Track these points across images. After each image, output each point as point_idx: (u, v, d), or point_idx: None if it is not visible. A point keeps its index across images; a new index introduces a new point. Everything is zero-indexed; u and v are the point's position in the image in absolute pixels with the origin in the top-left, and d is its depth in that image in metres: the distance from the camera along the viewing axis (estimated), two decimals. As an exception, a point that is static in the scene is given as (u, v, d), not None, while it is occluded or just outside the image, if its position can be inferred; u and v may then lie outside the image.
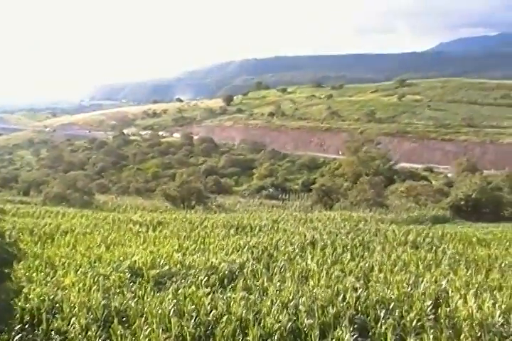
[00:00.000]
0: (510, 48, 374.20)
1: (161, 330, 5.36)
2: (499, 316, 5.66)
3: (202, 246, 10.36)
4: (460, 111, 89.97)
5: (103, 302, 6.03)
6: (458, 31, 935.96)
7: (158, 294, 6.51)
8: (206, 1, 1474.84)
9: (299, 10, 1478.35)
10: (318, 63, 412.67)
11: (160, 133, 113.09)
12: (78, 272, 7.51)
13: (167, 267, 7.84)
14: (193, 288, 6.67)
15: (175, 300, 6.13)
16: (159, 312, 5.78)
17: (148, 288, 6.72)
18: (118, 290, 6.67)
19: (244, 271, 7.82)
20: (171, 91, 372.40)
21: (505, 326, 5.52)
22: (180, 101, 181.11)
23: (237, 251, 9.55)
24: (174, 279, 7.28)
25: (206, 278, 7.25)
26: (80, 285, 6.71)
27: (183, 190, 28.76)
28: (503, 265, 9.25)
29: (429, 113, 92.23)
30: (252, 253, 9.39)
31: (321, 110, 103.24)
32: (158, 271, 7.61)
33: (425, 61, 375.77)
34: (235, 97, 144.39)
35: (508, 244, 12.49)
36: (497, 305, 6.09)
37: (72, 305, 5.93)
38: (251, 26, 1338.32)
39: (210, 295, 6.31)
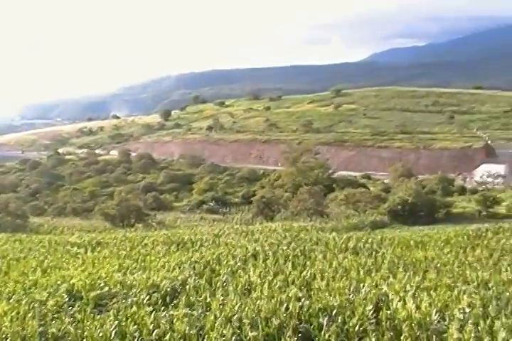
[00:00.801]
0: (437, 58, 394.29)
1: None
2: (435, 314, 5.87)
3: (143, 264, 10.15)
4: (394, 119, 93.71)
5: (39, 329, 5.75)
6: (390, 42, 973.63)
7: (98, 316, 6.27)
8: (140, 15, 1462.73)
9: (235, 23, 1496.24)
10: (255, 75, 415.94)
11: (97, 151, 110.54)
12: (11, 300, 7.10)
13: (107, 288, 7.60)
14: (135, 307, 6.49)
15: (116, 322, 5.93)
16: (100, 335, 5.59)
17: (88, 311, 6.47)
18: (56, 316, 6.38)
19: (187, 287, 7.69)
20: (106, 107, 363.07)
21: (440, 323, 5.72)
22: (117, 117, 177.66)
23: (179, 268, 9.39)
24: (115, 300, 7.05)
25: (148, 296, 7.08)
26: (14, 313, 6.34)
27: (122, 208, 28.23)
28: (438, 265, 9.60)
29: (365, 121, 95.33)
30: (194, 268, 9.25)
31: (259, 122, 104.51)
32: (97, 292, 7.36)
33: (359, 71, 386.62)
34: (172, 112, 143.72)
35: (442, 244, 12.98)
36: (433, 304, 6.32)
37: (4, 335, 5.61)
38: (187, 40, 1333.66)
39: (152, 314, 6.16)
